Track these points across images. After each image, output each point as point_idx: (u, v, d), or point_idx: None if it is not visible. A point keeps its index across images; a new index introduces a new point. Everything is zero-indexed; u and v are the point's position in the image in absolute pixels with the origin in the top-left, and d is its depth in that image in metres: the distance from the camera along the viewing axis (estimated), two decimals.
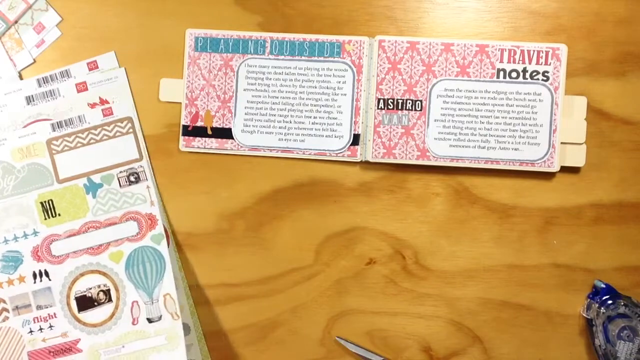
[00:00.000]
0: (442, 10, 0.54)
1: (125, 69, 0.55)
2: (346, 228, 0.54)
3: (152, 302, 0.53)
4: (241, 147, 0.54)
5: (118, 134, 0.53)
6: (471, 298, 0.54)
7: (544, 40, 0.53)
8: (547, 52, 0.52)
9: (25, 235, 0.53)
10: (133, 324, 0.53)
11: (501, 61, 0.52)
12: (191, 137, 0.54)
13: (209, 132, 0.54)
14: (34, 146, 0.53)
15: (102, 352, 0.53)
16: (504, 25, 0.54)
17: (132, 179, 0.53)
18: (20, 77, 0.55)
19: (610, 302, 0.51)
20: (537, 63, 0.52)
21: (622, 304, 0.51)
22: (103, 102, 0.53)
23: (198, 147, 0.54)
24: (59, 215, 0.53)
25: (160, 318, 0.53)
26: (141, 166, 0.53)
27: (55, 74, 0.54)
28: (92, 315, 0.53)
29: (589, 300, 0.53)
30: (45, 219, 0.53)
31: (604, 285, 0.52)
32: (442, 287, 0.54)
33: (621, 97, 0.53)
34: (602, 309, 0.51)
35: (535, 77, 0.52)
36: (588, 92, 0.53)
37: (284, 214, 0.54)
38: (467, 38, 0.54)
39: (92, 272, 0.53)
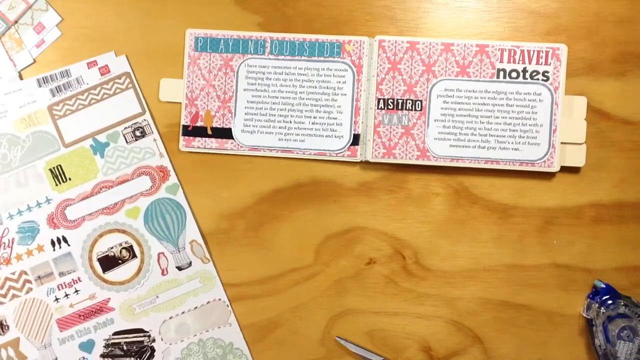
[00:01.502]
0: (442, 10, 0.54)
1: (126, 55, 0.55)
2: (346, 228, 0.54)
3: (179, 251, 0.53)
4: (241, 147, 0.54)
5: (118, 90, 0.53)
6: (471, 298, 0.54)
7: (544, 40, 0.53)
8: (547, 52, 0.52)
9: (39, 204, 0.53)
10: (162, 274, 0.54)
11: (501, 61, 0.52)
12: (191, 137, 0.54)
13: (209, 132, 0.54)
14: (36, 114, 0.53)
15: (135, 306, 0.53)
16: (504, 25, 0.54)
17: (137, 133, 0.53)
18: (20, 77, 0.55)
19: (610, 302, 0.51)
20: (537, 63, 0.52)
21: (622, 304, 0.51)
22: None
23: (198, 147, 0.54)
24: (70, 179, 0.53)
25: (190, 264, 0.54)
26: (145, 120, 0.53)
27: (55, 74, 0.54)
28: (118, 273, 0.54)
29: (589, 300, 0.53)
30: (57, 185, 0.53)
31: (604, 285, 0.52)
32: (442, 287, 0.54)
33: (621, 97, 0.53)
34: (602, 309, 0.51)
35: (535, 77, 0.52)
36: (588, 92, 0.53)
37: (284, 214, 0.54)
38: (467, 38, 0.54)
39: (111, 231, 0.54)
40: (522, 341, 0.54)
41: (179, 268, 0.54)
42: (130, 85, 0.53)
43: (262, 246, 0.54)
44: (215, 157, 0.55)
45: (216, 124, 0.54)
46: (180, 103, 0.55)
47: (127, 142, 0.53)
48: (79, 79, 0.53)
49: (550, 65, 0.52)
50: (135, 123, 0.53)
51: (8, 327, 0.53)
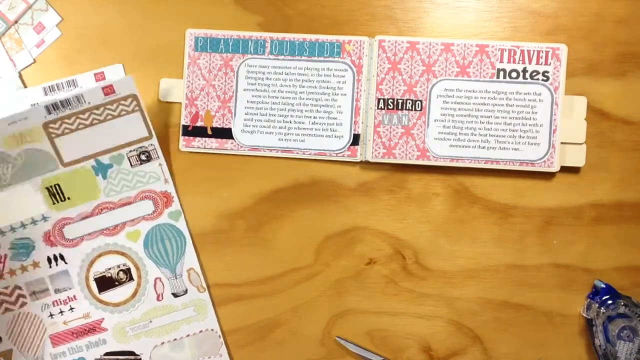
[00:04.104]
0: (442, 10, 0.54)
1: (132, 76, 0.55)
2: (346, 228, 0.54)
3: (176, 278, 0.53)
4: (241, 147, 0.54)
5: (123, 112, 0.52)
6: (471, 298, 0.54)
7: (544, 40, 0.53)
8: (547, 52, 0.52)
9: (34, 222, 0.53)
10: (158, 299, 0.53)
11: (501, 61, 0.52)
12: (191, 137, 0.54)
13: (209, 132, 0.54)
14: (29, 131, 0.52)
15: (128, 328, 0.53)
16: (504, 25, 0.54)
17: (143, 157, 0.53)
18: (20, 77, 0.55)
19: (610, 302, 0.51)
20: (537, 63, 0.52)
21: (622, 304, 0.51)
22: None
23: (198, 147, 0.54)
24: (69, 199, 0.53)
25: (185, 292, 0.54)
26: (152, 144, 0.53)
27: (62, 83, 0.54)
28: (114, 294, 0.54)
29: (589, 300, 0.53)
30: (53, 203, 0.53)
31: (604, 285, 0.52)
32: (442, 287, 0.54)
33: (621, 97, 0.53)
34: (602, 309, 0.51)
35: (535, 77, 0.52)
36: (588, 92, 0.53)
37: (284, 214, 0.54)
38: (467, 38, 0.54)
39: (110, 252, 0.53)
40: (522, 341, 0.54)
41: (175, 295, 0.53)
42: (136, 107, 0.52)
43: (262, 246, 0.54)
44: (215, 157, 0.55)
45: (216, 124, 0.54)
46: (180, 103, 0.55)
47: (131, 165, 0.53)
48: (79, 98, 0.51)
49: (550, 65, 0.52)
50: (141, 147, 0.53)
51: (1, 338, 0.53)
